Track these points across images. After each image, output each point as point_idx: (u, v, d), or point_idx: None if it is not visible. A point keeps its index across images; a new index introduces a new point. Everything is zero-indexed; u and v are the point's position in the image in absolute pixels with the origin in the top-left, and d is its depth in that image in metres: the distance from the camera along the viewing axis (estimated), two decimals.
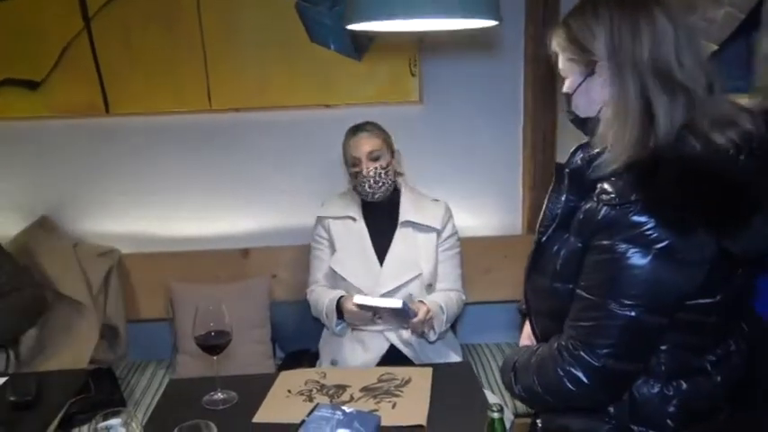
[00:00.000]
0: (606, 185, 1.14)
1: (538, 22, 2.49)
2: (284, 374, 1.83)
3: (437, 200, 2.27)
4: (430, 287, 2.17)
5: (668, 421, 1.20)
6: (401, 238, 2.16)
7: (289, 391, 1.72)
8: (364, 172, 2.12)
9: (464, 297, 2.22)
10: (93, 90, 2.50)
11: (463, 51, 2.57)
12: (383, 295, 2.09)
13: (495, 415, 1.26)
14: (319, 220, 2.28)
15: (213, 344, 1.66)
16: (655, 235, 1.09)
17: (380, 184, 2.14)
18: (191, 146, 2.61)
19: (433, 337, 2.10)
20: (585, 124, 1.26)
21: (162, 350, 2.59)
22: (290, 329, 2.55)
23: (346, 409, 1.53)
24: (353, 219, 2.20)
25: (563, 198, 1.24)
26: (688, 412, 1.21)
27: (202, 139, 2.60)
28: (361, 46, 2.53)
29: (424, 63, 2.57)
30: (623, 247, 1.11)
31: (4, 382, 1.79)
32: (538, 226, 1.29)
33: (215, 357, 1.69)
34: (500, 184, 2.74)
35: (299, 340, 2.53)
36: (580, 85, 1.20)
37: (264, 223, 2.66)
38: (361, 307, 1.99)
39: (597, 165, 1.17)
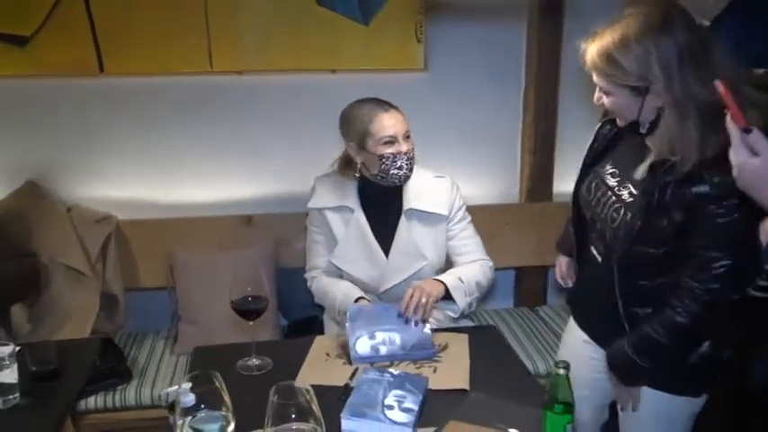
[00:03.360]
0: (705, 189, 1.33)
1: None
2: (320, 338, 1.84)
3: (441, 176, 2.06)
4: (441, 272, 2.03)
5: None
6: (406, 226, 1.98)
7: (327, 355, 1.73)
8: (405, 150, 1.89)
9: (491, 264, 2.05)
10: (87, 48, 2.37)
11: (469, 17, 2.57)
12: (390, 289, 1.99)
13: (561, 372, 1.29)
14: (312, 211, 2.04)
15: (250, 308, 1.63)
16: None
17: (412, 166, 1.95)
18: (190, 109, 2.52)
19: (454, 312, 1.95)
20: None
21: (161, 319, 2.53)
22: (294, 297, 2.53)
23: (393, 371, 1.55)
24: (351, 209, 1.99)
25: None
26: None
27: (203, 103, 2.52)
28: (368, 10, 2.49)
29: (429, 28, 2.56)
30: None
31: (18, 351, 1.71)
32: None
33: (251, 323, 1.66)
34: (500, 151, 2.78)
35: (303, 308, 2.52)
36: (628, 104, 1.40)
37: (268, 190, 2.62)
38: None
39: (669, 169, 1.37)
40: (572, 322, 1.75)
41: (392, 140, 1.89)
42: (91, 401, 2.11)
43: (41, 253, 2.26)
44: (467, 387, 1.54)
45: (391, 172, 1.91)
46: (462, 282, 1.92)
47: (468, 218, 2.12)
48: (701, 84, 1.29)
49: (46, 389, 1.59)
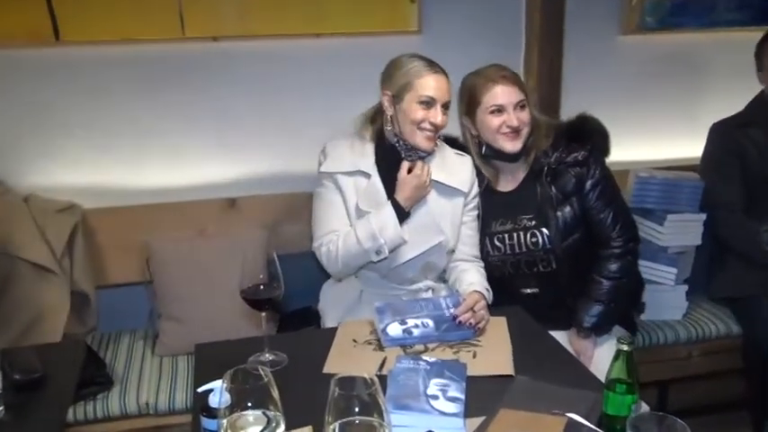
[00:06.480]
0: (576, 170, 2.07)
1: None
2: (346, 324, 1.81)
3: (461, 154, 2.08)
4: (452, 253, 2.06)
5: None
6: (425, 198, 1.98)
7: (355, 341, 1.70)
8: (439, 120, 1.89)
9: (482, 264, 2.08)
10: (39, 13, 2.24)
11: None
12: (402, 264, 1.99)
13: (625, 347, 1.28)
14: (324, 176, 2.00)
15: (263, 297, 1.57)
16: None
17: (437, 138, 1.96)
18: (160, 81, 2.42)
19: None
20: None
21: (136, 318, 2.45)
22: (286, 287, 2.45)
23: (427, 358, 1.52)
24: (368, 175, 1.97)
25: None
26: None
27: (174, 73, 2.43)
28: None
29: None
30: None
31: None
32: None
33: (263, 314, 1.61)
34: None
35: (296, 299, 2.45)
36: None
37: (251, 169, 2.55)
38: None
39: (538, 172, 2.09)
40: None
41: (429, 103, 1.89)
42: (69, 413, 2.01)
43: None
44: (512, 372, 1.52)
45: (416, 139, 1.91)
46: (489, 292, 1.94)
47: (477, 210, 2.12)
48: None
49: (33, 399, 1.49)
